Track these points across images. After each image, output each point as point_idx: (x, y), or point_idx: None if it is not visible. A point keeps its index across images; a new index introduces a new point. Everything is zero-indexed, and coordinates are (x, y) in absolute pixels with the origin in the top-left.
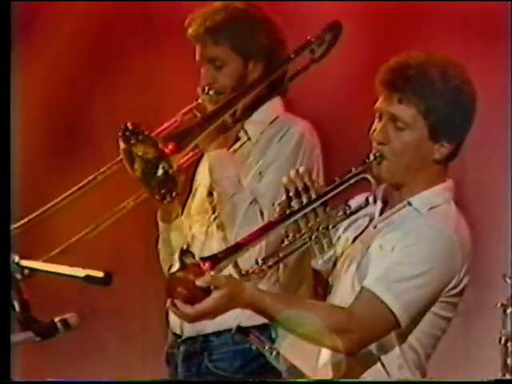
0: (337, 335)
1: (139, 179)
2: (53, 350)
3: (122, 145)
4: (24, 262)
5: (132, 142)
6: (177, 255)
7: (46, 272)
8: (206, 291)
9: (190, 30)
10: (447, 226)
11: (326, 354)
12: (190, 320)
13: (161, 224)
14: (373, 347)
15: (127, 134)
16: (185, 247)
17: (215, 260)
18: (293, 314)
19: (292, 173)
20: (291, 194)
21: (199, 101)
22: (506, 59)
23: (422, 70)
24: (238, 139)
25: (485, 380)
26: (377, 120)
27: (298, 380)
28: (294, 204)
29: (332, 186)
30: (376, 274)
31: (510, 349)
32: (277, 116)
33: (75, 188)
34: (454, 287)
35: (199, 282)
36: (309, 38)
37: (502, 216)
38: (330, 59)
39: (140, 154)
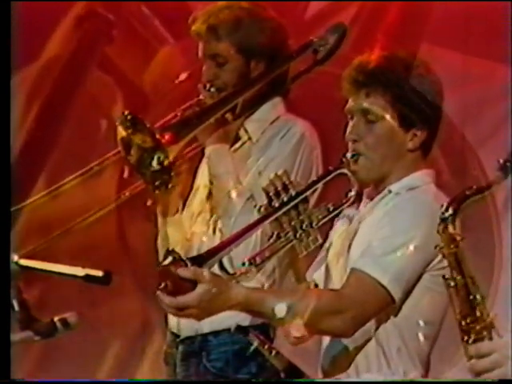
0: (330, 317)
1: (134, 168)
2: (53, 350)
3: (120, 133)
4: (24, 262)
5: (130, 130)
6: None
7: (46, 272)
8: (191, 287)
9: (193, 27)
10: (427, 196)
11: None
12: (175, 311)
13: (160, 219)
14: (369, 328)
15: (126, 122)
16: (170, 248)
17: (201, 260)
18: (284, 306)
19: (271, 175)
20: (271, 194)
21: (200, 97)
22: (506, 59)
23: (383, 63)
24: (238, 138)
25: (485, 380)
26: (350, 122)
27: (298, 380)
28: (275, 204)
29: (310, 183)
30: (361, 253)
31: None
32: (278, 116)
33: (69, 178)
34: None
35: (182, 272)
36: (311, 38)
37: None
38: (330, 59)
39: (138, 142)
